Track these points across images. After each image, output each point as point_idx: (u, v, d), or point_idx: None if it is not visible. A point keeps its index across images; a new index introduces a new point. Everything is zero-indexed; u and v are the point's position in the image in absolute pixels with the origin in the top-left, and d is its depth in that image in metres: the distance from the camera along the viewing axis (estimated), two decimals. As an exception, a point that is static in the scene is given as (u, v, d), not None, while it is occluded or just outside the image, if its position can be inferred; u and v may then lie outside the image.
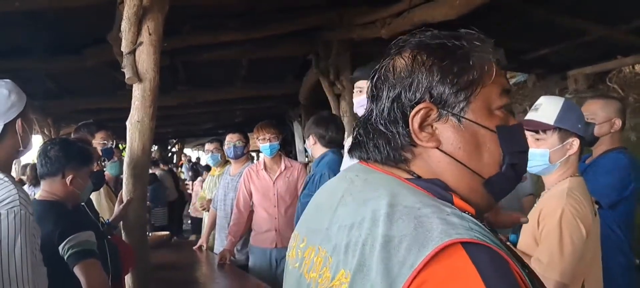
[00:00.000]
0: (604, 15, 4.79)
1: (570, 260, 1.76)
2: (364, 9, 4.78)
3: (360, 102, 2.55)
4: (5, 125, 1.79)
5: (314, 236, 0.91)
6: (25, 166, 6.45)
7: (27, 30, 4.41)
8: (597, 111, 2.56)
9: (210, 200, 4.90)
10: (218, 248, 4.41)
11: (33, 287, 1.63)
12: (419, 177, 0.86)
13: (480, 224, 0.76)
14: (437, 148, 0.85)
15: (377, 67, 0.93)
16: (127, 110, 2.98)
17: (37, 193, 2.36)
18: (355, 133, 0.96)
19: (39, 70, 5.50)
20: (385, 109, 0.88)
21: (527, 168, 1.99)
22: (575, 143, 1.95)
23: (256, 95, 8.14)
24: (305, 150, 5.38)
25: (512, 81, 9.06)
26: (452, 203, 0.81)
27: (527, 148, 0.92)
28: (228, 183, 4.46)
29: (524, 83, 8.30)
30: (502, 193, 0.90)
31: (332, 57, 5.57)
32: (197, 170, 12.48)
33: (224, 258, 3.91)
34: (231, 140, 4.42)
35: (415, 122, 0.85)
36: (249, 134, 4.65)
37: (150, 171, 10.77)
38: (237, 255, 4.21)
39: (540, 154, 1.96)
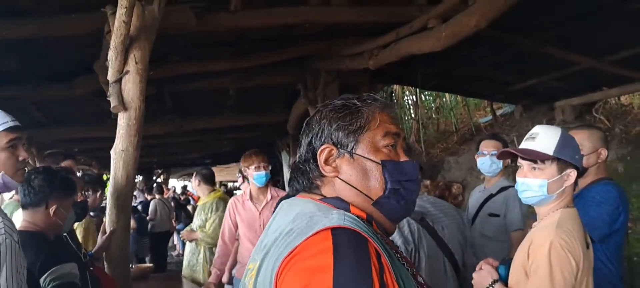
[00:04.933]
0: (590, 47, 4.86)
1: None
2: (352, 40, 4.81)
3: None
4: None
5: (255, 253, 1.15)
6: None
7: (14, 59, 4.37)
8: (583, 142, 2.53)
9: (191, 232, 4.87)
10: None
11: None
12: (325, 197, 1.16)
13: (358, 220, 1.03)
14: (337, 176, 1.16)
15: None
16: (113, 139, 2.95)
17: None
18: (290, 173, 1.27)
19: (26, 98, 5.44)
20: (303, 152, 1.21)
21: (524, 198, 1.97)
22: (572, 174, 1.92)
23: (244, 125, 8.12)
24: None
25: (499, 112, 9.15)
26: (349, 211, 1.09)
27: (414, 178, 1.18)
28: None
29: (511, 114, 8.38)
30: (392, 213, 1.16)
31: (320, 86, 5.59)
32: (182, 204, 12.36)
33: None
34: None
35: (321, 158, 1.17)
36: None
37: (148, 198, 10.67)
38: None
39: (538, 184, 1.93)
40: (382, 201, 1.13)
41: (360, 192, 1.13)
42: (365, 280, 0.89)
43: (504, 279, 1.98)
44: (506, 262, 2.03)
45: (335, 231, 0.95)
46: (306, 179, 1.20)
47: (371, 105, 1.19)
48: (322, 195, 1.17)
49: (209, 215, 4.77)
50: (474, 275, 2.08)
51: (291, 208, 1.13)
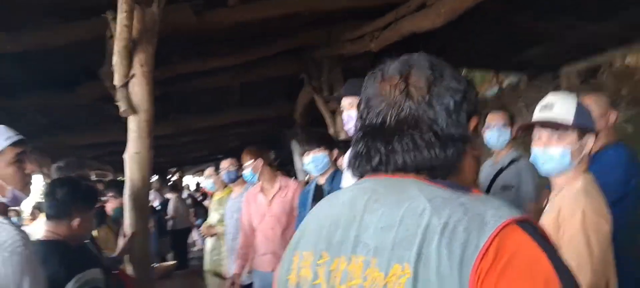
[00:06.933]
0: (591, 11, 4.83)
1: (599, 259, 1.74)
2: (352, 24, 4.81)
3: (349, 117, 2.52)
4: None
5: (340, 248, 0.92)
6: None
7: (19, 70, 4.42)
8: (591, 107, 2.53)
9: (210, 227, 4.95)
10: (230, 268, 4.44)
11: None
12: (435, 177, 0.91)
13: None
14: (473, 152, 0.98)
15: (424, 73, 0.96)
16: (123, 143, 2.99)
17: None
18: (369, 145, 0.97)
19: (33, 108, 5.50)
20: (451, 115, 0.93)
21: (546, 169, 1.96)
22: (591, 140, 1.91)
23: (251, 119, 8.15)
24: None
25: (505, 83, 9.11)
26: (472, 192, 0.88)
27: None
28: (231, 206, 4.53)
29: (517, 84, 8.34)
30: None
31: (323, 74, 5.61)
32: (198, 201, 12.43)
33: (234, 283, 3.98)
34: (224, 166, 4.53)
35: (472, 129, 0.96)
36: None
37: (167, 196, 10.77)
38: (246, 274, 4.19)
39: (561, 153, 1.90)
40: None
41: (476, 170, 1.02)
42: (574, 278, 0.80)
43: None
44: None
45: (523, 226, 0.80)
46: (454, 152, 0.92)
47: None
48: (428, 175, 0.92)
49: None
50: None
51: (398, 194, 0.89)
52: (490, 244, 0.77)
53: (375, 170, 0.96)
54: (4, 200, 1.82)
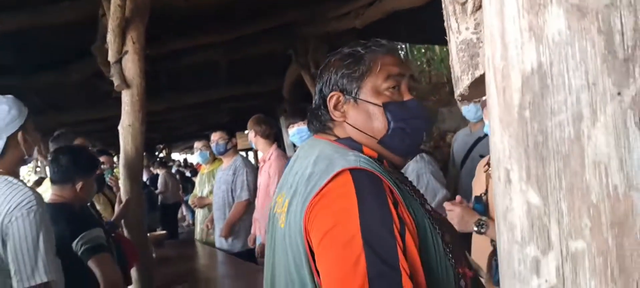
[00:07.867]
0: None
1: None
2: (337, 2, 4.93)
3: None
4: (8, 138, 1.96)
5: (281, 186, 1.32)
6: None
7: (10, 50, 4.51)
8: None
9: (201, 198, 5.09)
10: (216, 238, 4.60)
11: (57, 274, 1.85)
12: (338, 138, 1.28)
13: (371, 160, 1.14)
14: (345, 121, 1.27)
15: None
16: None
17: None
18: (308, 116, 1.40)
19: (25, 87, 5.57)
20: (316, 99, 1.34)
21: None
22: None
23: (240, 94, 8.25)
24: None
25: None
26: (362, 151, 1.21)
27: (417, 114, 1.25)
28: (220, 177, 4.64)
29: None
30: (399, 150, 1.27)
31: (310, 51, 5.73)
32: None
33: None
34: (214, 138, 4.62)
35: (330, 105, 1.28)
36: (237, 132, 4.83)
37: (156, 171, 10.84)
38: (231, 242, 4.36)
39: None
40: (387, 140, 1.23)
41: (366, 133, 1.23)
42: (385, 217, 1.01)
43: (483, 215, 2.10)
44: (479, 199, 2.20)
45: (354, 172, 1.06)
46: (320, 123, 1.32)
47: (374, 50, 1.26)
48: (336, 135, 1.29)
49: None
50: (452, 216, 2.14)
51: (311, 150, 1.24)
52: (326, 185, 1.07)
53: (313, 133, 1.37)
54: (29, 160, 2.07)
